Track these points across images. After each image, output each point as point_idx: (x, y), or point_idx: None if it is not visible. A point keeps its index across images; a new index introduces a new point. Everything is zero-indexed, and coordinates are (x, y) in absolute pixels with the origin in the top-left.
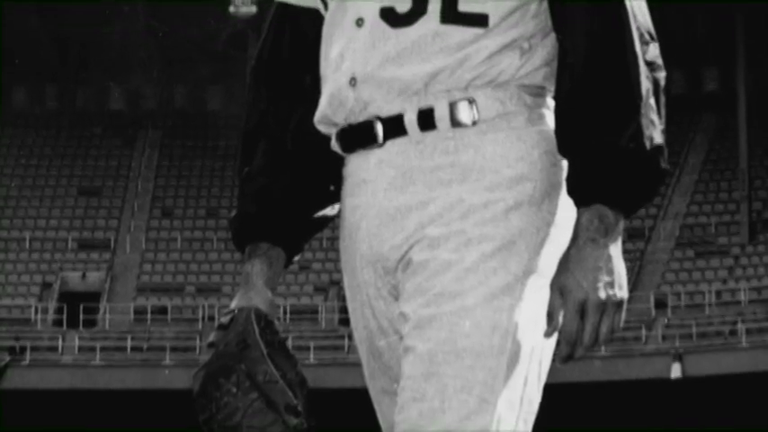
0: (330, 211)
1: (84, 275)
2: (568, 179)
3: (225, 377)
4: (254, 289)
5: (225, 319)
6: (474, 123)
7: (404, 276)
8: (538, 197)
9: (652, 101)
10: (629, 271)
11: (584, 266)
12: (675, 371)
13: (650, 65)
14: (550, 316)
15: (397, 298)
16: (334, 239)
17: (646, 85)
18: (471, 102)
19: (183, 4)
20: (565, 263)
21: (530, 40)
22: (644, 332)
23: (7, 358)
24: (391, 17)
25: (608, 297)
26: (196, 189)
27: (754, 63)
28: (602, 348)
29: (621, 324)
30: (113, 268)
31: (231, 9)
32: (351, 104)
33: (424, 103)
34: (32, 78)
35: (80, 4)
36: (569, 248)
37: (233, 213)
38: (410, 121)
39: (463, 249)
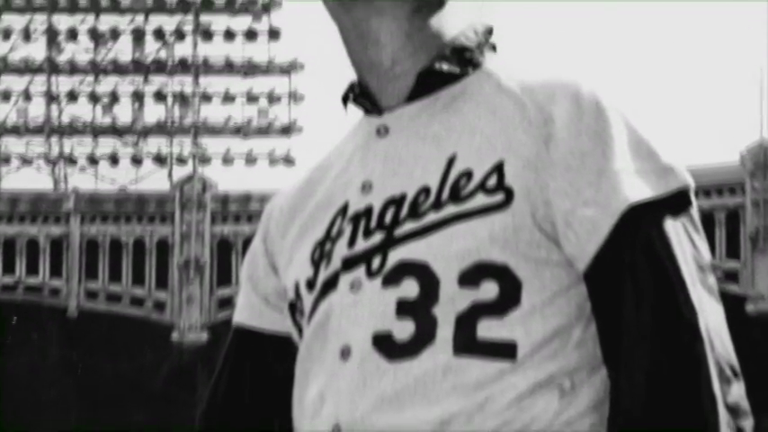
0: None
1: None
2: None
3: None
4: None
5: None
6: None
7: None
8: None
9: None
10: None
11: None
12: None
13: (733, 410)
14: None
15: None
16: None
17: None
18: None
19: (110, 328)
20: None
21: (572, 376)
22: None
23: None
24: (387, 347)
25: None
26: None
27: None
28: None
29: None
30: None
31: (174, 336)
32: None
33: None
34: None
35: None
36: None
37: None
38: None
39: None
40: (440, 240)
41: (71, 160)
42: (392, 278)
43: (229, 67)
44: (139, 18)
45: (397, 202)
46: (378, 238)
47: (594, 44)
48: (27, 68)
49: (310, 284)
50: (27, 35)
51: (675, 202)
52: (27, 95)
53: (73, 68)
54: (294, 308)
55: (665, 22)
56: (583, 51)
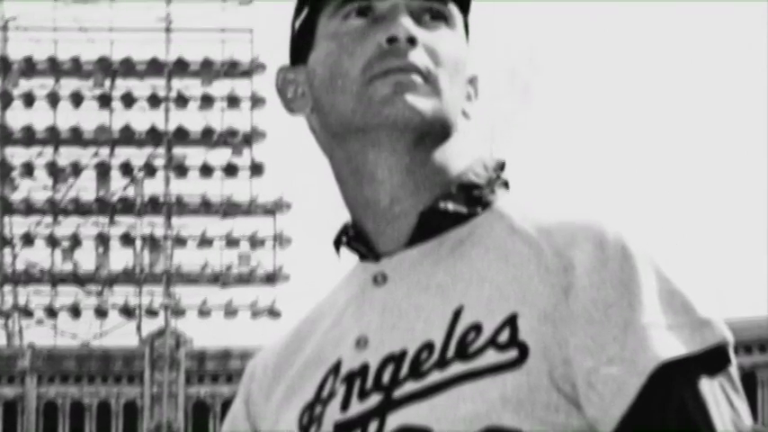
0: None
1: None
2: None
3: None
4: None
5: None
6: None
7: None
8: None
9: None
10: None
11: None
12: None
13: None
14: None
15: None
16: None
17: None
18: None
19: None
20: None
21: None
22: None
23: None
24: None
25: None
26: None
27: None
28: None
29: None
30: None
31: None
32: None
33: None
34: None
35: None
36: None
37: None
38: None
39: None
40: (445, 403)
41: (27, 312)
42: None
43: (206, 207)
44: (104, 151)
45: (396, 359)
46: (375, 400)
47: (629, 187)
48: None
49: None
50: None
51: (712, 360)
52: None
53: (29, 208)
54: None
55: (704, 171)
56: (617, 196)
